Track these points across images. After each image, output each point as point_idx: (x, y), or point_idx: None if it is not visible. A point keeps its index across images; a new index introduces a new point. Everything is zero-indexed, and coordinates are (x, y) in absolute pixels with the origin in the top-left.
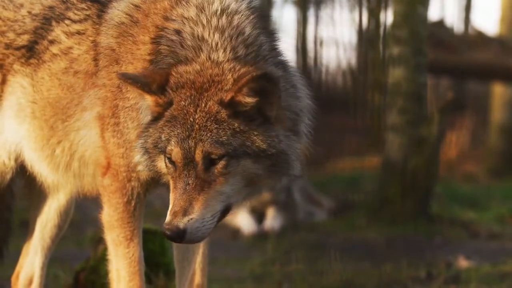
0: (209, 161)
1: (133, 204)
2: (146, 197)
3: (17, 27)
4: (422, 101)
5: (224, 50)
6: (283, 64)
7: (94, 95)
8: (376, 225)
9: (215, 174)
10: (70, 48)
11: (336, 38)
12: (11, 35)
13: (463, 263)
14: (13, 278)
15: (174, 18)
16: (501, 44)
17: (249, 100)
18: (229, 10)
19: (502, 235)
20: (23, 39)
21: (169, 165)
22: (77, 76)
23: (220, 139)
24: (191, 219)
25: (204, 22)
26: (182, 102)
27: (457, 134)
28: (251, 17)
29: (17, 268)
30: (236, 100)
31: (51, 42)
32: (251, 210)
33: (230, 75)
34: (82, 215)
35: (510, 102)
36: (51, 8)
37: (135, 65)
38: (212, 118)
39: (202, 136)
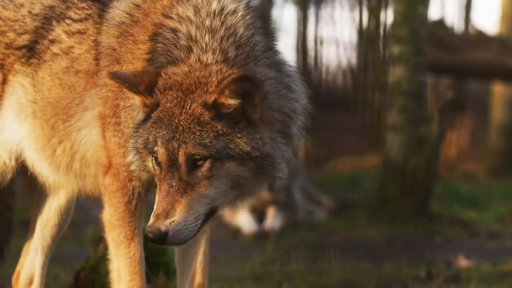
0: (193, 163)
1: (134, 203)
2: (147, 196)
3: (17, 27)
4: (422, 101)
5: (214, 52)
6: (278, 65)
7: (95, 94)
8: (376, 224)
9: (199, 177)
10: (71, 47)
11: (337, 38)
12: (11, 35)
13: (463, 262)
14: (13, 278)
15: (172, 16)
16: (501, 44)
17: (232, 102)
18: (226, 11)
19: (502, 235)
20: (24, 39)
21: (156, 167)
22: (78, 76)
23: (203, 141)
24: (173, 221)
25: (199, 22)
26: (168, 104)
27: (457, 133)
28: (247, 17)
29: (18, 267)
30: (219, 102)
31: (52, 41)
32: (251, 209)
33: (216, 77)
34: (82, 214)
35: (510, 101)
36: (51, 7)
37: (135, 65)
38: (195, 120)
39: (185, 138)
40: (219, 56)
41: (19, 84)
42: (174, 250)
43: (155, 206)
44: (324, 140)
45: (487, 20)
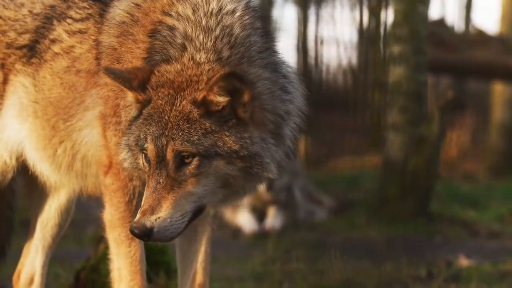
0: (181, 161)
1: (134, 203)
2: None
3: (18, 26)
4: (422, 100)
5: (207, 51)
6: (274, 65)
7: (96, 94)
8: (376, 224)
9: (187, 174)
10: (72, 47)
11: (337, 37)
12: (12, 34)
13: (463, 262)
14: (14, 277)
15: (172, 13)
16: (502, 43)
17: (221, 99)
18: (224, 11)
19: (502, 234)
20: (25, 39)
21: (145, 164)
22: (79, 75)
23: (191, 138)
24: (159, 218)
25: (196, 21)
26: (159, 101)
27: (457, 133)
28: (245, 17)
29: (18, 267)
30: (208, 100)
31: (53, 41)
32: (252, 209)
33: (206, 76)
34: (82, 214)
35: (510, 101)
36: (52, 7)
37: (135, 64)
38: (184, 118)
39: (174, 135)
40: (212, 55)
41: (20, 84)
42: (175, 249)
43: (142, 203)
44: (324, 140)
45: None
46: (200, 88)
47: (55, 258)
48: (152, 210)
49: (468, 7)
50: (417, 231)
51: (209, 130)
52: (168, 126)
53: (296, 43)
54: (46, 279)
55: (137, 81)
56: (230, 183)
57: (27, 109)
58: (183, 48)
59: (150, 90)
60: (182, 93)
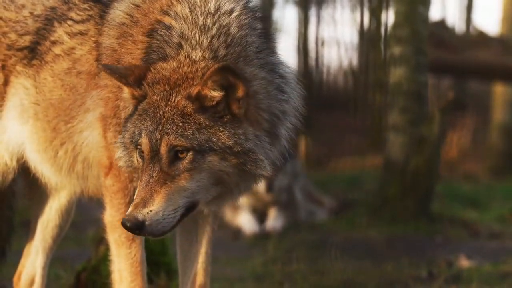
0: (174, 155)
1: None
2: None
3: (19, 28)
4: (423, 101)
5: (203, 50)
6: (271, 66)
7: (96, 96)
8: (377, 224)
9: (180, 169)
10: (73, 48)
11: (338, 38)
12: (13, 36)
13: (464, 262)
14: (15, 278)
15: (170, 12)
16: (502, 44)
17: (215, 94)
18: (221, 10)
19: (503, 235)
20: (25, 40)
21: (139, 160)
22: (79, 77)
23: (185, 133)
24: (151, 211)
25: (192, 20)
26: (155, 97)
27: (458, 133)
28: (243, 17)
29: (19, 268)
30: (202, 94)
31: (54, 42)
32: (252, 210)
33: (201, 72)
34: (83, 215)
35: (510, 101)
36: (53, 8)
37: None
38: (179, 112)
39: (168, 129)
40: (208, 53)
41: (21, 85)
42: (175, 250)
43: (134, 196)
44: (325, 140)
45: (488, 20)
46: (195, 83)
47: (55, 259)
48: (145, 203)
49: (469, 8)
50: (417, 231)
51: (203, 125)
52: (163, 121)
53: (296, 44)
54: (46, 280)
55: (133, 77)
56: (224, 180)
57: (28, 110)
58: (179, 46)
59: (146, 86)
60: (177, 89)
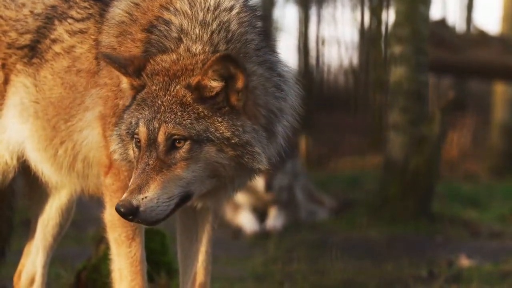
0: (172, 144)
1: None
2: None
3: (19, 26)
4: (423, 100)
5: (203, 43)
6: (270, 64)
7: (96, 94)
8: (377, 224)
9: (177, 158)
10: (73, 46)
11: (338, 37)
12: (13, 34)
13: (464, 262)
14: (15, 278)
15: (169, 8)
16: (503, 43)
17: (215, 84)
18: (221, 7)
19: (504, 234)
20: (26, 39)
21: (135, 149)
22: (79, 75)
23: (184, 121)
24: (146, 197)
25: (192, 16)
26: (154, 87)
27: (458, 133)
28: (242, 15)
29: (19, 267)
30: (202, 84)
31: (54, 41)
32: (253, 209)
33: (202, 63)
34: (83, 214)
35: (511, 101)
36: (53, 7)
37: None
38: (178, 102)
39: (166, 118)
40: (208, 47)
41: (21, 84)
42: (176, 249)
43: (130, 183)
44: (325, 140)
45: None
46: (195, 74)
47: (56, 258)
48: (140, 189)
49: (469, 7)
50: (418, 231)
51: (202, 115)
52: (161, 110)
53: (297, 43)
54: (47, 279)
55: (132, 67)
56: (220, 173)
57: (28, 109)
58: (179, 40)
59: (145, 77)
60: (176, 80)
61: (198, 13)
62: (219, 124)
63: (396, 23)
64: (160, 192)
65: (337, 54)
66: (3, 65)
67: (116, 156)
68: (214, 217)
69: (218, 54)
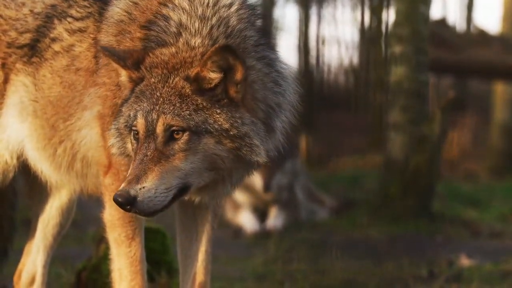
0: (170, 135)
1: None
2: None
3: (19, 25)
4: (423, 100)
5: (202, 37)
6: (269, 60)
7: (94, 93)
8: (378, 223)
9: (175, 149)
10: (72, 45)
11: (338, 37)
12: (13, 33)
13: (464, 261)
14: (15, 277)
15: (168, 5)
16: (503, 43)
17: (213, 75)
18: (220, 4)
19: (504, 234)
20: (25, 38)
21: (134, 141)
22: (78, 74)
23: (182, 113)
24: (143, 187)
25: (191, 11)
26: (152, 79)
27: (458, 132)
28: (241, 11)
29: (19, 266)
30: (201, 75)
31: (53, 39)
32: (253, 209)
33: (200, 56)
34: (84, 213)
35: (511, 101)
36: (53, 6)
37: None
38: (177, 93)
39: (165, 109)
40: (208, 41)
41: (21, 83)
42: (176, 249)
43: (128, 174)
44: (325, 139)
45: (489, 19)
46: (193, 66)
47: (56, 257)
48: (138, 179)
49: (470, 7)
50: (418, 231)
51: (201, 106)
52: (160, 101)
53: (297, 42)
54: (47, 278)
55: (131, 60)
56: (218, 165)
57: (27, 108)
58: (178, 34)
59: (144, 70)
60: (175, 72)
61: (197, 8)
62: (217, 115)
63: (396, 23)
64: (158, 183)
65: (337, 53)
66: (3, 65)
67: (114, 150)
68: (213, 217)
69: (217, 45)
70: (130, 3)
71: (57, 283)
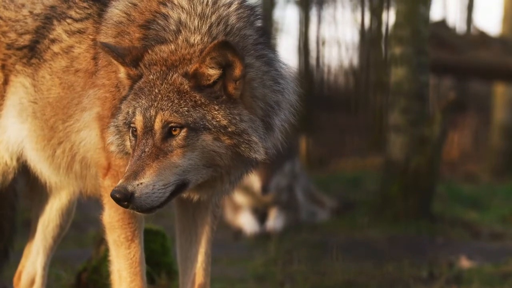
0: (168, 131)
1: None
2: None
3: (18, 27)
4: (424, 101)
5: (202, 34)
6: (268, 59)
7: (93, 95)
8: (378, 224)
9: (173, 145)
10: (71, 46)
11: (338, 38)
12: (12, 35)
13: (465, 263)
14: (15, 279)
15: (167, 3)
16: (503, 44)
17: (212, 72)
18: (219, 3)
19: (504, 235)
20: (25, 39)
21: (132, 138)
22: (77, 75)
23: (180, 109)
24: (141, 183)
25: (191, 9)
26: (151, 76)
27: (459, 134)
28: (240, 10)
29: (19, 268)
30: (199, 72)
31: (53, 41)
32: (253, 210)
33: (199, 52)
34: (84, 215)
35: (511, 101)
36: (52, 7)
37: None
38: (175, 90)
39: (163, 105)
40: (207, 38)
41: (21, 84)
42: (176, 250)
43: (126, 170)
44: (326, 141)
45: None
46: (192, 63)
47: (56, 259)
48: (135, 175)
49: (470, 8)
50: (418, 232)
51: (199, 102)
52: (158, 98)
53: (297, 43)
54: (47, 280)
55: (130, 57)
56: (216, 162)
57: (27, 109)
58: (177, 32)
59: (142, 67)
60: (174, 69)
61: (196, 6)
62: (216, 112)
63: (397, 24)
64: (156, 179)
65: (337, 54)
66: (3, 66)
67: (113, 148)
68: (213, 218)
69: (216, 41)
70: (129, 5)
71: (57, 284)
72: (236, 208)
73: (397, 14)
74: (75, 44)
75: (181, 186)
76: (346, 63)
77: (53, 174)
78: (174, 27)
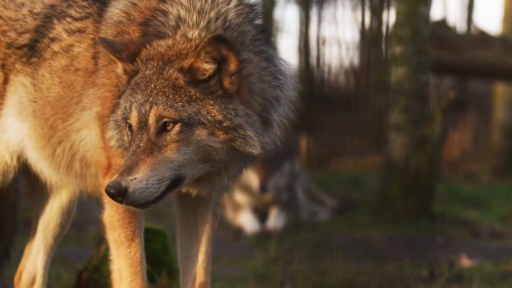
0: (163, 126)
1: None
2: None
3: (18, 26)
4: (424, 101)
5: (200, 30)
6: (267, 55)
7: (93, 94)
8: (379, 224)
9: (168, 140)
10: (71, 45)
11: (339, 38)
12: (12, 34)
13: (465, 262)
14: (15, 278)
15: (166, 0)
16: (504, 44)
17: (207, 66)
18: (219, 0)
19: (505, 235)
20: (25, 38)
21: (129, 133)
22: (77, 74)
23: (175, 104)
24: (135, 178)
25: (190, 5)
26: (147, 71)
27: (459, 133)
28: (240, 7)
29: (20, 267)
30: (195, 67)
31: (52, 39)
32: (254, 209)
33: (195, 47)
34: (84, 214)
35: None
36: (52, 6)
37: None
38: (170, 85)
39: (158, 100)
40: (205, 33)
41: (20, 83)
42: (177, 250)
43: (121, 165)
44: (326, 140)
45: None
46: (188, 57)
47: (56, 258)
48: (129, 171)
49: (470, 7)
50: (419, 231)
51: (194, 97)
52: (153, 93)
53: (298, 43)
54: (47, 279)
55: (127, 52)
56: (212, 157)
57: (27, 108)
58: (176, 27)
59: (139, 62)
60: (170, 64)
61: (196, 3)
62: (211, 107)
63: (397, 24)
64: (150, 174)
65: (337, 54)
66: (3, 65)
67: (112, 142)
68: (214, 217)
69: (210, 35)
70: (129, 4)
71: (58, 283)
72: (237, 207)
73: (398, 13)
74: (75, 43)
75: (176, 181)
76: (346, 62)
77: (53, 173)
78: (173, 23)
